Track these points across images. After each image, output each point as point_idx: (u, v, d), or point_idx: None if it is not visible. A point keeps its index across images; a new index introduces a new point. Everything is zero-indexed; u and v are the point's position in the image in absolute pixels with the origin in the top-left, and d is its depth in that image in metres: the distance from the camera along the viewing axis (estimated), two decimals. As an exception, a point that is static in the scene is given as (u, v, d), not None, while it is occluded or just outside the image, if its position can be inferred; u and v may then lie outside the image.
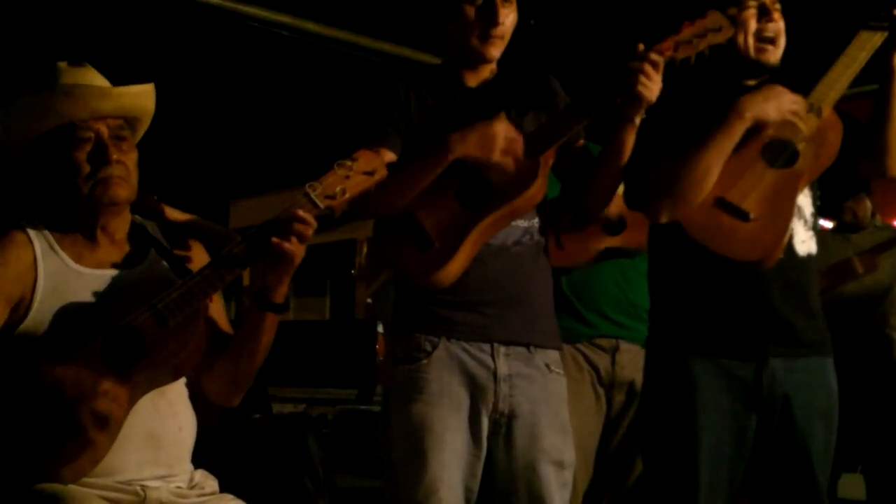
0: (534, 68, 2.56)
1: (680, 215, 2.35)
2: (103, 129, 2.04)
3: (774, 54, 2.45)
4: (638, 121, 2.30)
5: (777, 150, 2.35)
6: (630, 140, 2.33)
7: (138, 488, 1.96)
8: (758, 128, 2.34)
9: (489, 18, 2.42)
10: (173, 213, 2.34)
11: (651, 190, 2.38)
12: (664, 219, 2.37)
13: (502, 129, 2.28)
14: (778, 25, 2.44)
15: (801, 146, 2.37)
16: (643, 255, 3.12)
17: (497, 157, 2.26)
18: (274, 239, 1.96)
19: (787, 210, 2.35)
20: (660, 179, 2.35)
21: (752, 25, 2.42)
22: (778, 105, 2.33)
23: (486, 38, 2.43)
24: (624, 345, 3.10)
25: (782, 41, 2.45)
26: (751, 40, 2.42)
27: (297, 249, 1.98)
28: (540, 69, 2.57)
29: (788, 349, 2.39)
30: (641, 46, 2.28)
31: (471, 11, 2.42)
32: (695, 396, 2.36)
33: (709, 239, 2.34)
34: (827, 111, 2.36)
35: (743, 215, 2.33)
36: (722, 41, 2.31)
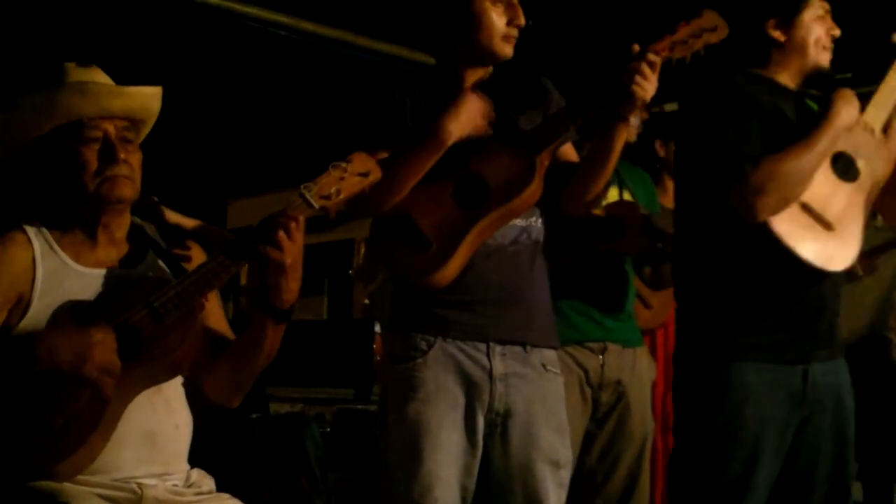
0: (526, 69, 2.57)
1: (776, 213, 2.36)
2: (111, 128, 2.05)
3: (828, 58, 2.53)
4: (632, 120, 2.31)
5: (844, 164, 2.42)
6: (621, 139, 2.35)
7: (135, 486, 1.96)
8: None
9: (513, 19, 2.43)
10: (172, 216, 2.35)
11: (753, 189, 2.33)
12: (764, 217, 2.35)
13: (474, 97, 2.29)
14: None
15: (860, 162, 2.44)
16: (628, 259, 3.15)
17: (481, 124, 2.27)
18: (258, 246, 1.96)
19: (860, 223, 2.43)
20: (765, 178, 2.33)
21: (824, 36, 2.49)
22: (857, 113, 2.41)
23: (508, 38, 2.44)
24: (611, 346, 3.13)
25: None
26: (820, 49, 2.50)
27: (280, 253, 1.97)
28: (532, 70, 2.58)
29: (826, 352, 2.46)
30: (637, 47, 2.29)
31: (493, 11, 2.42)
32: (744, 405, 2.37)
33: (796, 243, 2.35)
34: (878, 132, 2.44)
35: (826, 224, 2.38)
36: (717, 41, 2.32)
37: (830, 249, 2.38)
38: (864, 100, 2.51)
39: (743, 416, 2.36)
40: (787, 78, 2.53)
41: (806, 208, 2.37)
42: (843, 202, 2.40)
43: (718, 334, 2.44)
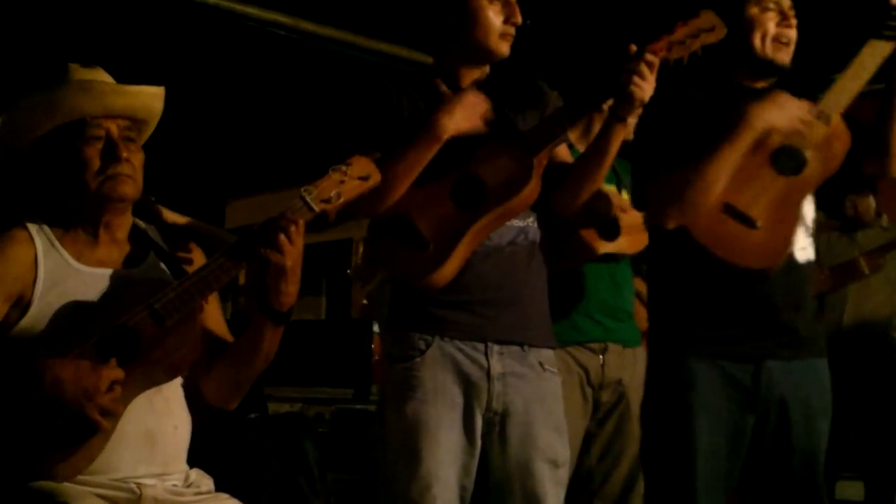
0: (523, 71, 2.57)
1: (687, 221, 2.37)
2: (114, 127, 2.06)
3: (788, 55, 2.48)
4: (631, 121, 2.31)
5: (787, 157, 2.37)
6: (618, 140, 2.34)
7: (134, 486, 1.97)
8: (766, 135, 2.34)
9: (510, 17, 2.44)
10: (170, 215, 2.35)
11: (659, 195, 2.41)
12: (671, 224, 2.39)
13: (473, 95, 2.32)
14: (794, 31, 2.47)
15: (809, 154, 2.38)
16: (627, 259, 3.15)
17: (479, 122, 2.30)
18: (259, 249, 1.98)
19: (792, 218, 2.38)
20: (668, 185, 2.38)
21: (772, 29, 2.44)
22: (786, 113, 2.33)
23: (504, 36, 2.44)
24: (612, 346, 3.12)
25: (794, 44, 2.48)
26: (769, 43, 2.45)
27: (280, 256, 1.98)
28: (529, 72, 2.58)
29: (787, 351, 2.42)
30: (634, 47, 2.29)
31: (490, 9, 2.42)
32: (691, 396, 2.39)
33: (715, 245, 2.37)
34: (835, 119, 2.38)
35: (750, 222, 2.35)
36: (714, 41, 2.32)
37: (755, 248, 2.37)
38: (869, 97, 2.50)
39: (691, 408, 2.38)
40: (748, 78, 2.52)
41: (728, 209, 2.36)
42: (776, 196, 2.37)
43: (676, 329, 2.47)
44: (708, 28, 2.31)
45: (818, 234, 4.34)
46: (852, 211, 4.59)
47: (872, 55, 2.40)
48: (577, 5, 5.08)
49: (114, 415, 1.88)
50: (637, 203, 2.55)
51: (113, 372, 1.88)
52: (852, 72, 2.40)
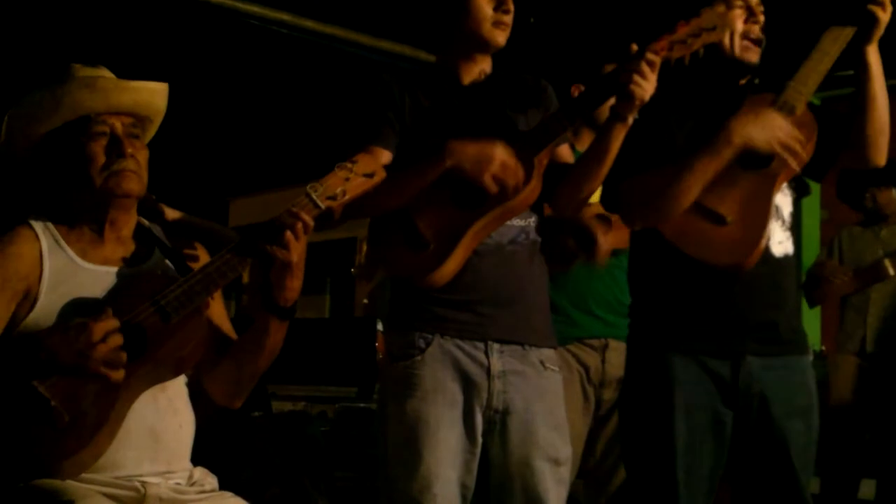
0: (526, 70, 2.57)
1: (657, 225, 2.38)
2: (118, 124, 2.07)
3: (757, 54, 2.47)
4: (630, 120, 2.31)
5: (751, 152, 2.35)
6: (619, 139, 2.33)
7: (138, 484, 1.97)
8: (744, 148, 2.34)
9: (501, 5, 2.44)
10: (172, 213, 2.35)
11: (629, 197, 2.42)
12: (638, 226, 2.42)
13: (501, 154, 2.28)
14: (760, 27, 2.47)
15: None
16: (626, 253, 3.14)
17: (487, 179, 2.27)
18: (265, 245, 1.98)
19: (763, 212, 2.36)
20: (640, 189, 2.39)
21: (740, 27, 2.43)
22: (769, 135, 2.32)
23: (497, 24, 2.44)
24: (613, 342, 3.12)
25: (763, 41, 2.48)
26: (737, 41, 2.44)
27: (286, 252, 1.99)
28: (532, 72, 2.58)
29: (765, 347, 2.42)
30: (635, 47, 2.29)
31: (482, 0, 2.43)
32: (672, 391, 2.39)
33: (685, 244, 2.37)
34: (800, 109, 2.37)
35: (719, 219, 2.35)
36: (716, 40, 2.32)
37: (726, 244, 2.36)
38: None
39: (671, 403, 2.38)
40: (723, 77, 2.50)
41: (697, 207, 2.36)
42: (744, 191, 2.36)
43: (656, 326, 2.48)
44: (710, 27, 2.30)
45: (840, 229, 4.31)
46: (871, 203, 4.56)
47: (833, 42, 2.40)
48: (579, 4, 5.08)
49: (117, 365, 1.88)
50: (606, 202, 2.54)
51: (103, 323, 1.88)
52: (814, 60, 2.40)
